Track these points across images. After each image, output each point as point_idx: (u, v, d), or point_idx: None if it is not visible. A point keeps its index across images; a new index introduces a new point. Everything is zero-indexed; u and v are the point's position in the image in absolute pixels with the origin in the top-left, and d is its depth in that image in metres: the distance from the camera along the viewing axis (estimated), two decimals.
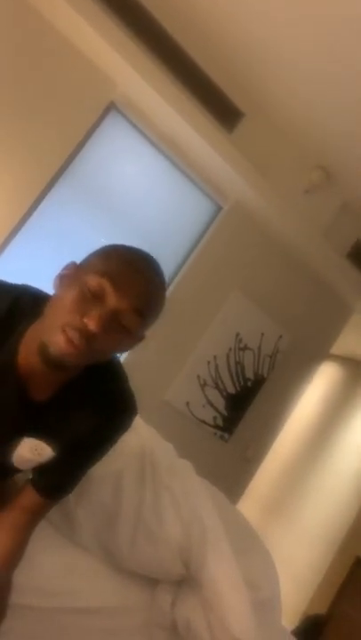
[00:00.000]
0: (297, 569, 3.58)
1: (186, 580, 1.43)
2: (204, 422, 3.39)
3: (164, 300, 1.05)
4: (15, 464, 1.13)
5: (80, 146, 2.90)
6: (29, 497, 1.17)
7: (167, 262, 3.31)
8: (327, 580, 3.57)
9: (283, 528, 4.05)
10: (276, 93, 2.95)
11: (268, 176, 3.18)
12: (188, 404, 3.33)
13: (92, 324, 0.94)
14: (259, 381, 3.54)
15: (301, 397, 3.89)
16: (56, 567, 1.37)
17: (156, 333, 3.21)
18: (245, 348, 3.47)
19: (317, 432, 4.57)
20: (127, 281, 0.98)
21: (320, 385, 4.44)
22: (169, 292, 3.27)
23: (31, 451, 1.10)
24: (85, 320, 0.94)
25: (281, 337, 3.57)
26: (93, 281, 0.97)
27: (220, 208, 3.37)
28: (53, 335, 0.96)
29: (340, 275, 3.60)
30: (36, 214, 2.85)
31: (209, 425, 3.41)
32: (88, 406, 1.11)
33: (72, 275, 1.02)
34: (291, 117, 3.04)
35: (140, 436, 1.66)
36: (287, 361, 3.62)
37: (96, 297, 0.96)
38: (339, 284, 3.66)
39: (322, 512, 4.00)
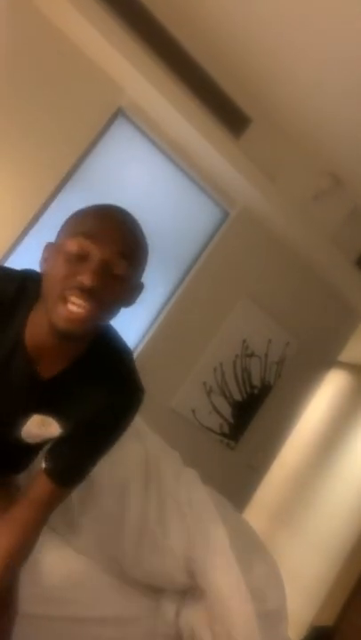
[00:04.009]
0: (304, 579, 3.54)
1: (191, 590, 1.41)
2: (210, 430, 3.36)
3: (146, 240, 1.11)
4: (23, 436, 1.16)
5: (87, 151, 2.90)
6: (41, 486, 1.15)
7: (174, 268, 3.30)
8: (335, 590, 3.52)
9: (289, 537, 4.01)
10: (284, 99, 2.94)
11: (276, 182, 3.17)
12: (194, 411, 3.31)
13: (86, 278, 0.97)
14: (265, 389, 3.52)
15: (309, 405, 3.86)
16: (61, 576, 1.36)
17: (163, 339, 3.23)
18: (252, 354, 3.44)
19: (325, 440, 4.53)
20: (103, 231, 1.01)
21: (328, 392, 4.40)
22: (176, 296, 3.28)
23: (38, 426, 1.14)
24: (79, 278, 0.98)
25: (288, 344, 3.54)
26: (72, 245, 1.00)
27: (227, 214, 3.36)
28: (56, 308, 1.00)
29: (349, 281, 3.58)
30: (42, 220, 2.85)
31: (215, 432, 3.38)
32: (96, 385, 1.13)
33: (52, 251, 1.05)
34: (299, 123, 3.03)
35: (144, 445, 1.65)
36: (294, 368, 3.60)
37: (81, 258, 1.00)
38: (347, 291, 3.64)
39: (329, 521, 3.95)
